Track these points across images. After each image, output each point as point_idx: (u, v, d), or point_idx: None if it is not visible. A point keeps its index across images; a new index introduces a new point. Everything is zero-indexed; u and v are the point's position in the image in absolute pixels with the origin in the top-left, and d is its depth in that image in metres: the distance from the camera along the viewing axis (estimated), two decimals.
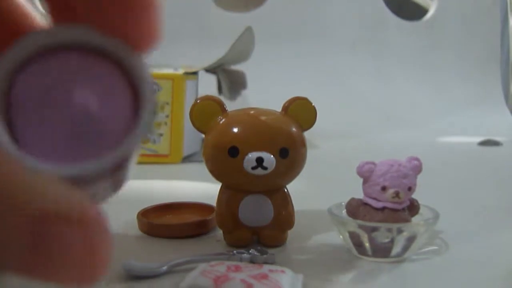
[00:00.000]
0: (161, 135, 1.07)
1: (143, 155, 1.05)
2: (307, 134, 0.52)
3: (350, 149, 0.50)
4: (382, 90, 1.68)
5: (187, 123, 1.07)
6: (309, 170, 0.54)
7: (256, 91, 1.23)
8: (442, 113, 1.63)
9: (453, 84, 1.74)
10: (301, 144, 0.51)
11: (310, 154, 0.53)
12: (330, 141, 1.32)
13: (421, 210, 0.51)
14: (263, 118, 0.51)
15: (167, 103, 1.07)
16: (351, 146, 0.52)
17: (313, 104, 0.52)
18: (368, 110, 1.58)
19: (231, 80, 1.21)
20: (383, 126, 1.47)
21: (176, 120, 1.07)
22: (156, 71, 1.09)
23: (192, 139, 1.06)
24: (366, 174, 0.49)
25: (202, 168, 0.53)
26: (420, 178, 0.51)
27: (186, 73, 1.07)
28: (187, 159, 1.09)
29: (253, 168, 0.49)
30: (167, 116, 1.07)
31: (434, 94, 1.70)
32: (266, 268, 0.43)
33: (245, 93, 1.25)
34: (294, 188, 0.55)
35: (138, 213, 0.60)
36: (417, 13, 1.87)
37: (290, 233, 0.54)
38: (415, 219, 0.51)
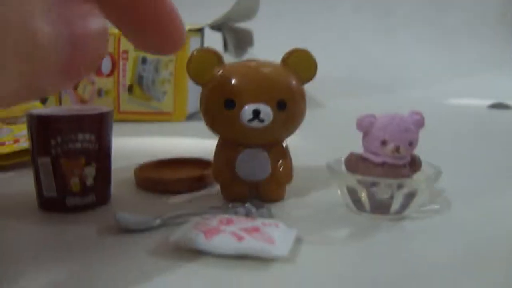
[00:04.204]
0: (164, 93, 1.06)
1: (146, 113, 1.04)
2: (313, 93, 0.51)
3: (356, 109, 0.49)
4: (390, 50, 1.66)
5: (191, 81, 1.05)
6: (313, 128, 0.53)
7: (262, 49, 1.21)
8: (452, 74, 1.60)
9: (464, 45, 1.71)
10: (300, 97, 0.50)
11: (315, 113, 0.52)
12: (336, 101, 1.31)
13: (423, 167, 0.50)
14: (260, 69, 0.49)
15: (171, 61, 1.05)
16: (357, 106, 0.51)
17: (313, 56, 0.50)
18: (376, 71, 1.56)
19: (238, 38, 1.20)
20: (390, 86, 1.45)
21: (179, 77, 1.05)
22: None
23: (196, 96, 1.05)
24: (366, 128, 0.47)
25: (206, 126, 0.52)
26: (426, 139, 0.49)
27: (190, 30, 1.05)
28: (192, 117, 1.08)
29: (250, 120, 0.48)
30: (170, 74, 1.06)
31: (444, 55, 1.68)
32: (259, 221, 0.42)
33: (252, 51, 1.23)
34: (294, 144, 0.54)
35: (135, 168, 0.59)
36: None
37: (288, 188, 0.53)
38: (416, 176, 0.49)
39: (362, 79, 1.50)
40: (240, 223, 0.41)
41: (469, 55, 1.69)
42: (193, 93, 1.05)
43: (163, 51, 0.37)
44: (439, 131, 0.86)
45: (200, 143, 0.75)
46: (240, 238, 0.38)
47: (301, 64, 0.50)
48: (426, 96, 1.36)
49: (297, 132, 0.52)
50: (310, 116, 0.53)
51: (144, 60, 1.06)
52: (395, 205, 0.47)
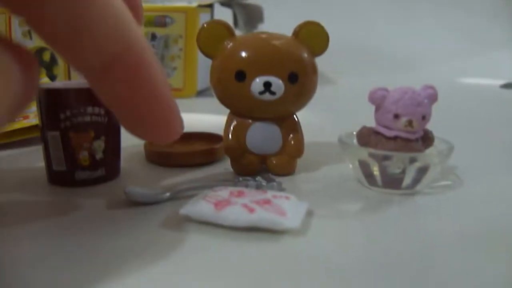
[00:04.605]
0: (174, 68, 1.05)
1: None
2: (324, 70, 0.50)
3: (367, 86, 0.48)
4: (403, 27, 1.64)
5: (201, 57, 1.06)
6: (325, 104, 0.52)
7: (272, 25, 1.20)
8: (465, 53, 1.58)
9: (478, 24, 1.68)
10: (312, 70, 0.49)
11: (327, 89, 0.51)
12: (348, 78, 1.30)
13: (436, 143, 0.49)
14: (272, 41, 0.49)
15: (181, 36, 1.05)
16: (369, 83, 0.50)
17: (325, 29, 0.50)
18: (387, 48, 1.54)
19: (248, 14, 1.19)
20: (401, 64, 1.44)
21: (189, 53, 1.05)
22: (169, 4, 1.07)
23: (207, 72, 1.05)
24: (378, 101, 0.47)
25: (217, 102, 0.52)
26: (438, 117, 0.49)
27: (200, 6, 1.05)
28: (202, 93, 1.08)
29: (261, 93, 0.47)
30: (180, 50, 1.05)
31: (457, 33, 1.65)
32: (270, 194, 0.42)
33: (262, 27, 1.22)
34: (305, 119, 0.53)
35: (145, 142, 0.59)
36: None
37: (299, 162, 0.52)
38: (429, 151, 0.49)
39: (374, 56, 1.48)
40: (251, 195, 0.41)
41: (482, 33, 1.67)
42: (203, 70, 1.04)
43: (152, 141, 0.37)
44: (450, 110, 0.85)
45: (211, 119, 0.75)
46: (251, 210, 0.38)
47: (313, 37, 0.50)
48: (437, 75, 1.34)
49: (308, 107, 0.52)
50: (322, 93, 0.52)
51: (153, 36, 1.06)
52: (407, 180, 0.46)
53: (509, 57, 1.57)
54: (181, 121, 0.35)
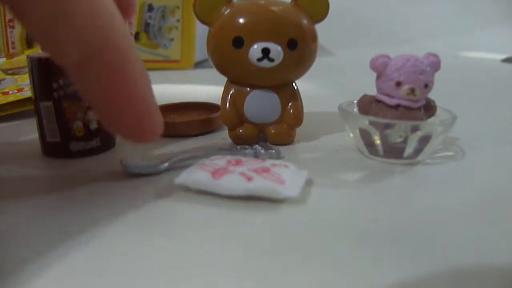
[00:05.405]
0: (172, 40, 1.04)
1: (153, 61, 1.03)
2: (323, 42, 0.49)
3: (367, 58, 0.48)
4: (404, 0, 1.63)
5: (199, 28, 1.05)
6: (324, 74, 0.51)
7: None
8: (466, 27, 1.57)
9: None
10: (312, 37, 0.48)
11: (326, 60, 0.50)
12: (347, 49, 1.29)
13: (438, 112, 0.48)
14: (270, 7, 0.47)
15: (178, 7, 1.03)
16: (368, 55, 0.49)
17: None
18: (388, 21, 1.53)
19: None
20: (403, 37, 1.43)
21: (187, 24, 1.03)
22: None
23: (204, 44, 1.03)
24: (379, 68, 0.45)
25: (215, 73, 0.51)
26: (440, 89, 0.48)
27: None
28: (199, 65, 1.07)
29: (259, 59, 0.46)
30: (178, 21, 1.04)
31: (458, 7, 1.64)
32: (268, 162, 0.41)
33: None
34: (305, 89, 0.52)
35: None
36: None
37: (298, 131, 0.51)
38: (431, 121, 0.47)
39: (374, 30, 1.47)
40: (249, 163, 0.40)
41: (483, 8, 1.66)
42: (201, 41, 1.03)
43: (128, 139, 0.36)
44: (451, 83, 0.84)
45: (208, 90, 0.74)
46: (249, 178, 0.37)
47: (312, 3, 0.48)
48: (438, 48, 1.32)
49: (307, 77, 0.51)
50: (321, 64, 0.51)
51: (150, 7, 1.04)
52: (409, 149, 0.45)
53: (510, 32, 1.56)
54: (160, 121, 0.35)
